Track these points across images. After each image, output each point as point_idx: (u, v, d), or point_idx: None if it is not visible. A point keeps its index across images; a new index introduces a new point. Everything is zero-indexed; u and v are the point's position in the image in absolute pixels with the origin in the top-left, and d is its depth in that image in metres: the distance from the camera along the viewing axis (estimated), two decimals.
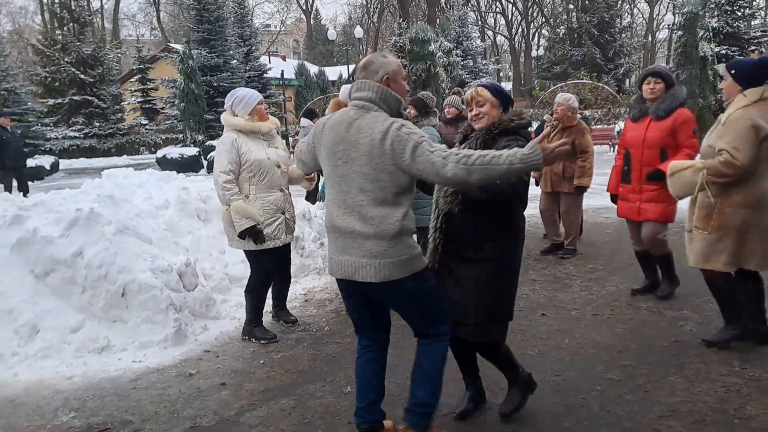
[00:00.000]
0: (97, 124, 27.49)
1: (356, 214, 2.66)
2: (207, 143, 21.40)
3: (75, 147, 26.73)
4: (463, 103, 7.31)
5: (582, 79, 26.69)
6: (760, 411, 3.17)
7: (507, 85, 51.91)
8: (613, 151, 18.70)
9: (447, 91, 19.73)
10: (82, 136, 27.09)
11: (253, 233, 4.31)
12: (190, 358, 4.33)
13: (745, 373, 3.62)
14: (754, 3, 21.34)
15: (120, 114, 29.49)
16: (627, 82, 34.94)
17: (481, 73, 24.46)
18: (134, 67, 32.43)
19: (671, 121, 4.61)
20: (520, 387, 3.25)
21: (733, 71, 3.82)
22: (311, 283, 5.99)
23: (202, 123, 22.38)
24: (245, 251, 4.54)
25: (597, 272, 5.93)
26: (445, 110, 7.24)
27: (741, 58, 4.06)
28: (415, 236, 2.82)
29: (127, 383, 3.96)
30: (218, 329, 4.82)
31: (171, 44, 37.16)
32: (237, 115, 4.46)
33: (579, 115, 7.08)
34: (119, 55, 33.16)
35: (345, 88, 4.84)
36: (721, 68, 4.05)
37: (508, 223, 2.96)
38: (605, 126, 22.03)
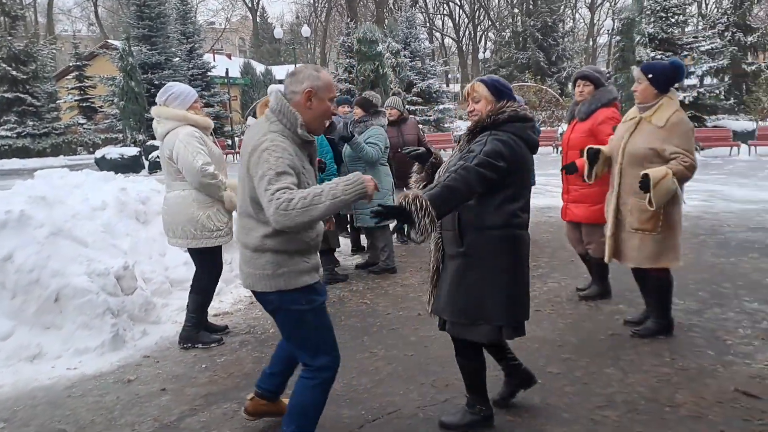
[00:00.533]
0: (31, 123, 26.30)
1: (239, 220, 2.72)
2: (148, 143, 20.83)
3: (6, 147, 25.51)
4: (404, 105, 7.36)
5: (526, 81, 27.24)
6: (689, 399, 3.32)
7: (455, 87, 52.61)
8: (557, 152, 19.17)
9: (396, 92, 19.82)
10: (15, 135, 25.88)
11: None
12: (128, 363, 4.20)
13: (674, 363, 3.79)
14: (687, 10, 22.22)
15: (56, 113, 28.32)
16: (569, 85, 35.82)
17: (428, 75, 24.58)
18: (71, 64, 31.27)
19: (590, 122, 4.70)
20: (471, 404, 3.11)
21: (650, 75, 3.90)
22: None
23: (142, 122, 21.73)
24: (192, 249, 4.36)
25: (540, 270, 6.06)
26: (388, 112, 7.22)
27: (654, 61, 4.18)
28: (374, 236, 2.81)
29: (62, 391, 3.81)
30: (158, 334, 4.69)
31: (110, 41, 36.06)
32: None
33: None
34: (54, 51, 31.92)
35: (272, 88, 4.77)
36: (635, 71, 4.06)
37: (487, 218, 2.79)
38: (549, 128, 22.53)
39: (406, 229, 2.59)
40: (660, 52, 19.45)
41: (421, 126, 8.04)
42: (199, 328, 4.46)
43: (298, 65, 2.82)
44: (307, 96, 2.59)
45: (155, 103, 4.46)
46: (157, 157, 4.85)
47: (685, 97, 19.20)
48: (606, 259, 4.30)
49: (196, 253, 4.39)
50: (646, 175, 3.74)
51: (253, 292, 2.72)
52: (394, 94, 9.86)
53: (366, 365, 3.96)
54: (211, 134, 4.55)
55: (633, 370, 3.71)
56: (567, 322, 4.61)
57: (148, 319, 4.84)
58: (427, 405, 3.38)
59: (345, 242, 7.33)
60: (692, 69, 21.04)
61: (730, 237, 7.13)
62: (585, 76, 4.83)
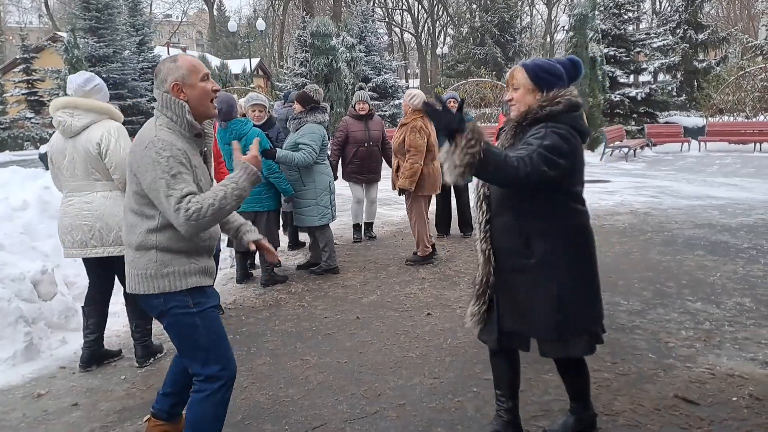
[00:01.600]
0: None
1: (124, 218, 2.60)
2: None
3: None
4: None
5: (483, 77, 27.29)
6: (627, 406, 3.19)
7: (414, 83, 52.54)
8: None
9: (350, 87, 19.56)
10: None
11: None
12: (42, 376, 3.90)
13: (615, 368, 3.66)
14: (640, 7, 22.54)
15: (2, 107, 27.30)
16: None
17: (384, 69, 24.36)
18: (18, 57, 30.16)
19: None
20: (578, 420, 2.87)
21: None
22: None
23: None
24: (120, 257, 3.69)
25: None
26: (357, 106, 7.01)
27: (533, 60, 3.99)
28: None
29: None
30: (78, 342, 4.35)
31: (59, 33, 34.89)
32: None
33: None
34: (0, 42, 30.73)
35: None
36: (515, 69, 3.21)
37: (557, 222, 2.52)
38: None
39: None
40: (613, 49, 19.67)
41: None
42: (149, 336, 4.05)
43: (159, 65, 2.60)
44: (177, 90, 2.48)
45: None
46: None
47: (637, 93, 19.49)
48: None
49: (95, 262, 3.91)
50: None
51: (138, 296, 2.52)
52: (360, 89, 9.52)
53: (296, 374, 3.75)
54: None
55: None
56: None
57: (68, 326, 4.54)
58: (356, 418, 3.19)
59: (283, 239, 7.08)
60: (645, 65, 21.33)
61: (677, 234, 7.13)
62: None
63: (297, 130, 5.79)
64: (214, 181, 3.09)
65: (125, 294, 3.89)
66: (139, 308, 3.89)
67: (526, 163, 2.31)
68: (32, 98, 29.00)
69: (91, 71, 4.45)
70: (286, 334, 4.45)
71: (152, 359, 4.05)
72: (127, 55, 24.98)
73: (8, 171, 6.41)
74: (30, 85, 29.14)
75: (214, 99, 2.56)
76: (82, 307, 4.05)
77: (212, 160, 3.08)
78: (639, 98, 19.56)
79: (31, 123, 27.74)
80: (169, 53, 31.98)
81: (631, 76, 21.23)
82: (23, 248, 4.87)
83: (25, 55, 29.02)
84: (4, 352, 4.02)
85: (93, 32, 23.95)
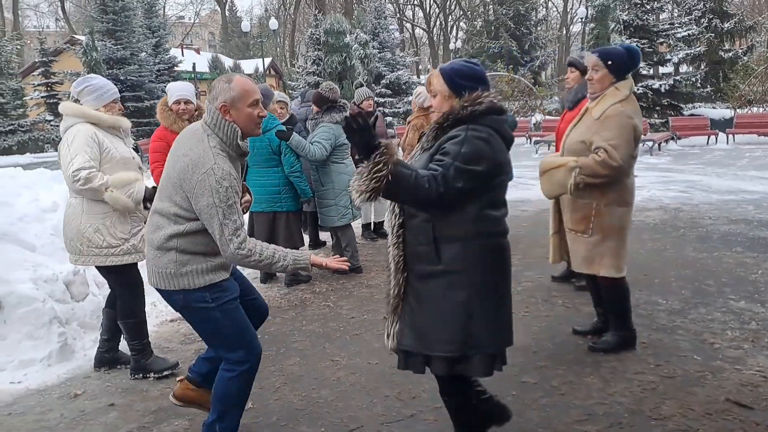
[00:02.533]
0: None
1: (150, 217, 2.74)
2: None
3: None
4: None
5: (499, 71, 27.16)
6: (676, 410, 3.09)
7: (425, 78, 52.30)
8: (530, 143, 19.09)
9: (364, 84, 19.55)
10: None
11: (152, 192, 3.60)
12: (76, 376, 3.95)
13: (660, 370, 3.55)
14: None
15: (22, 110, 27.58)
16: (543, 75, 35.87)
17: (398, 66, 24.34)
18: (37, 60, 30.46)
19: (576, 111, 4.55)
20: None
21: (609, 62, 3.54)
22: None
23: None
24: (99, 268, 3.76)
25: (513, 267, 5.68)
26: (365, 104, 6.99)
27: (610, 47, 3.94)
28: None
29: (2, 408, 3.56)
30: None
31: (76, 36, 35.19)
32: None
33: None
34: (19, 47, 31.05)
35: (172, 86, 4.55)
36: (590, 58, 3.68)
37: (469, 228, 2.37)
38: (522, 118, 22.46)
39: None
40: (635, 40, 19.42)
41: (390, 118, 7.85)
42: (147, 355, 3.90)
43: (215, 81, 2.71)
44: (224, 111, 2.58)
45: (122, 99, 4.02)
46: None
47: (661, 86, 19.19)
48: (551, 260, 4.03)
49: (103, 273, 3.83)
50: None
51: (158, 290, 2.72)
52: (360, 86, 9.43)
53: (327, 375, 3.75)
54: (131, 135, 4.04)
55: (615, 378, 3.47)
56: (542, 325, 4.37)
57: (100, 326, 4.57)
58: (393, 420, 3.17)
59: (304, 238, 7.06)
60: (668, 56, 21.00)
61: (712, 230, 6.93)
62: (571, 63, 4.66)
63: (313, 129, 5.83)
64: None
65: (117, 309, 3.89)
66: (123, 323, 3.85)
67: (439, 183, 2.22)
68: (51, 101, 29.20)
69: (108, 73, 4.40)
70: (314, 335, 4.45)
71: (142, 375, 3.85)
72: (143, 57, 25.16)
73: (36, 173, 6.49)
74: (49, 88, 29.38)
75: (258, 124, 2.66)
76: (103, 308, 4.08)
77: None
78: (663, 90, 19.21)
79: (51, 125, 27.96)
80: (183, 54, 32.17)
81: (652, 68, 20.92)
82: (54, 249, 4.93)
83: (43, 59, 29.26)
84: (40, 353, 4.08)
85: (110, 35, 24.14)
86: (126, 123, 3.88)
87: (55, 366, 4.03)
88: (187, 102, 4.49)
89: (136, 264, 3.80)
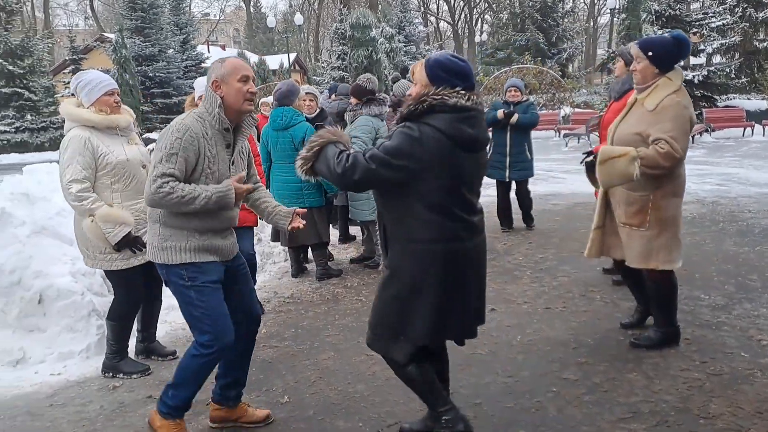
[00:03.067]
0: (30, 117, 26.08)
1: None
2: (144, 135, 20.60)
3: (5, 142, 25.34)
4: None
5: (526, 64, 26.87)
6: (725, 409, 2.99)
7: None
8: (559, 136, 18.86)
9: (390, 78, 19.49)
10: (13, 130, 25.67)
11: (130, 242, 3.56)
12: (122, 371, 3.97)
13: (705, 367, 3.44)
14: None
15: (53, 107, 28.07)
16: (570, 67, 35.38)
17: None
18: (67, 58, 30.97)
19: (622, 102, 4.47)
20: (431, 420, 2.77)
21: (650, 52, 3.45)
22: None
23: (137, 114, 21.53)
24: (108, 272, 3.76)
25: (547, 262, 5.76)
26: (405, 97, 6.90)
27: (653, 36, 3.86)
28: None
29: (43, 399, 3.62)
30: None
31: (105, 33, 35.71)
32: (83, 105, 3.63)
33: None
34: (50, 45, 31.57)
35: (199, 81, 4.57)
36: (633, 48, 3.59)
37: (411, 230, 2.49)
38: (550, 111, 22.21)
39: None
40: (667, 30, 18.97)
41: None
42: (121, 357, 3.85)
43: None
44: (215, 86, 2.74)
45: (150, 96, 4.02)
46: None
47: (694, 77, 18.77)
48: (586, 254, 3.89)
49: (110, 276, 3.82)
50: (592, 153, 3.34)
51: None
52: (398, 78, 9.18)
53: (362, 370, 3.72)
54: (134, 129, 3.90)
55: (659, 375, 3.37)
56: (581, 320, 4.29)
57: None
58: None
59: (334, 233, 7.03)
60: (701, 47, 20.53)
61: (753, 223, 6.73)
62: (618, 54, 4.65)
63: (352, 122, 5.77)
64: (256, 175, 3.22)
65: (151, 295, 4.00)
66: (110, 324, 3.85)
67: (347, 162, 2.39)
68: None
69: (138, 70, 4.38)
70: (348, 329, 4.44)
71: (112, 374, 3.84)
72: (171, 54, 25.44)
73: None
74: None
75: (248, 99, 2.76)
76: None
77: (248, 155, 3.11)
78: (696, 81, 18.79)
79: None
80: (209, 51, 32.42)
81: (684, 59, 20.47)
82: None
83: (73, 57, 29.73)
84: (79, 345, 4.14)
85: (139, 32, 24.47)
86: (124, 121, 3.70)
87: (93, 358, 4.09)
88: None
89: (139, 272, 3.70)
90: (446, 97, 2.37)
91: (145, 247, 3.37)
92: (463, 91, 2.40)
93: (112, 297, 4.55)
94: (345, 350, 4.04)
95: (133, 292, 3.78)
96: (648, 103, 3.47)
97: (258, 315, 3.12)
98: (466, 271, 2.53)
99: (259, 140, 5.53)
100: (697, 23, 20.13)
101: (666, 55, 3.48)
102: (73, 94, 3.75)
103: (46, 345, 4.17)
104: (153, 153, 2.76)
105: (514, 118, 6.47)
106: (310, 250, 5.96)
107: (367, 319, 4.48)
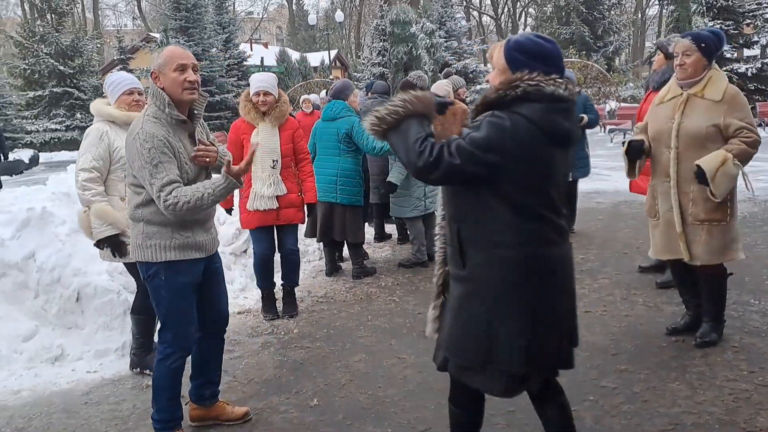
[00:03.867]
0: (79, 116, 26.87)
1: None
2: None
3: (56, 140, 26.18)
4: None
5: (571, 57, 26.33)
6: None
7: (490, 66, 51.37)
8: (605, 131, 18.41)
9: (430, 74, 19.35)
10: (64, 128, 26.52)
11: (114, 243, 3.58)
12: (149, 366, 4.02)
13: (753, 377, 3.27)
14: None
15: None
16: (617, 60, 34.53)
17: (465, 54, 24.01)
18: (115, 58, 31.78)
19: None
20: None
21: (702, 44, 3.46)
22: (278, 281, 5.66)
23: None
24: (128, 264, 3.73)
25: (588, 263, 5.60)
26: (459, 92, 6.70)
27: (699, 30, 3.76)
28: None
29: (79, 397, 3.67)
30: None
31: (151, 33, 36.49)
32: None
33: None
34: (99, 45, 32.46)
35: (254, 78, 4.68)
36: (683, 42, 3.51)
37: (495, 234, 2.12)
38: (595, 105, 21.71)
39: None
40: (719, 22, 18.37)
41: None
42: (147, 351, 3.89)
43: None
44: (154, 78, 2.74)
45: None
46: None
47: (747, 69, 18.12)
48: (686, 259, 3.61)
49: (128, 268, 3.84)
50: (699, 167, 3.30)
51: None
52: (450, 74, 8.78)
53: (394, 373, 3.67)
54: None
55: (703, 385, 3.22)
56: (622, 325, 4.13)
57: None
58: None
59: (369, 230, 6.98)
60: (755, 38, 19.76)
61: None
62: (658, 46, 4.61)
63: None
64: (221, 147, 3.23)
65: (133, 302, 4.00)
66: (136, 318, 3.92)
67: (434, 158, 2.02)
68: None
69: None
70: (380, 330, 4.39)
71: (138, 370, 3.90)
72: (214, 53, 25.82)
73: None
74: None
75: (187, 88, 2.72)
76: None
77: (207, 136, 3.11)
78: (749, 74, 18.11)
79: None
80: (251, 49, 32.80)
81: (737, 51, 19.74)
82: None
83: (121, 56, 30.47)
84: (114, 343, 4.20)
85: (183, 32, 24.90)
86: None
87: (128, 356, 4.12)
88: (266, 93, 4.52)
89: None
90: (543, 85, 2.05)
91: (124, 255, 3.57)
92: (560, 79, 2.09)
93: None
94: (377, 352, 3.99)
95: None
96: (710, 94, 3.44)
97: (227, 315, 3.20)
98: (557, 281, 2.17)
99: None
100: (750, 14, 19.40)
101: (714, 48, 3.51)
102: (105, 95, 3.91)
103: (83, 342, 4.24)
104: (129, 167, 2.78)
105: (584, 120, 6.16)
106: (346, 248, 5.94)
107: (399, 320, 4.55)
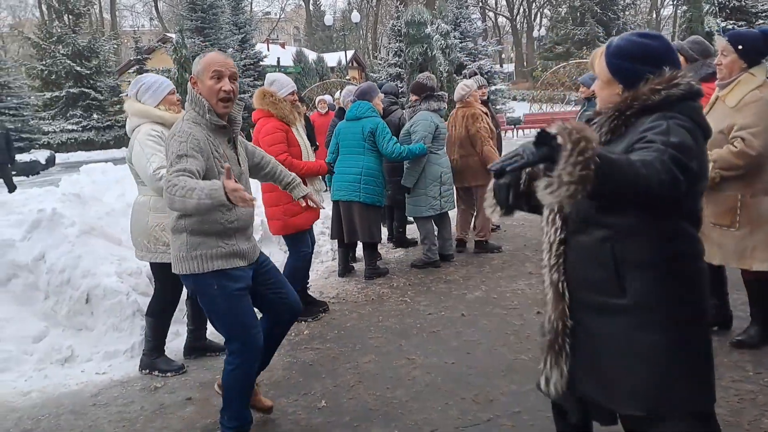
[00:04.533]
0: (96, 116, 27.17)
1: None
2: None
3: (73, 140, 26.47)
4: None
5: (585, 58, 26.14)
6: None
7: (509, 67, 51.28)
8: None
9: (445, 75, 19.30)
10: (80, 129, 26.80)
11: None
12: (159, 369, 4.01)
13: (759, 378, 3.24)
14: None
15: (119, 106, 29.12)
16: None
17: (480, 55, 23.91)
18: (132, 58, 32.04)
19: None
20: None
21: (740, 46, 3.33)
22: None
23: None
24: (159, 265, 3.74)
25: None
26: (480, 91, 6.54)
27: (743, 30, 3.63)
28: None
29: (87, 398, 3.67)
30: None
31: (168, 34, 36.76)
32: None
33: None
34: (115, 45, 32.75)
35: (281, 79, 4.70)
36: (720, 41, 3.42)
37: (661, 248, 1.81)
38: None
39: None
40: (732, 22, 18.18)
41: None
42: (158, 354, 3.94)
43: None
44: (193, 83, 2.76)
45: None
46: None
47: None
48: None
49: (156, 268, 3.85)
50: None
51: (179, 275, 2.82)
52: (473, 74, 8.48)
53: (402, 374, 3.64)
54: None
55: None
56: None
57: (181, 319, 4.66)
58: (468, 425, 3.02)
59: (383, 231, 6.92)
60: None
61: None
62: (679, 49, 4.49)
63: (411, 117, 5.84)
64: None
65: (150, 303, 4.01)
66: (150, 319, 3.94)
67: (657, 169, 1.58)
68: None
69: None
70: (391, 331, 4.36)
71: (148, 371, 3.92)
72: (230, 53, 25.90)
73: (123, 168, 6.69)
74: None
75: (221, 99, 2.70)
76: (185, 299, 4.18)
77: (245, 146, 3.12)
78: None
79: None
80: (268, 49, 32.89)
81: None
82: None
83: (138, 57, 30.72)
84: (123, 344, 4.19)
85: (199, 32, 25.06)
86: None
87: (137, 358, 4.11)
88: (294, 93, 4.64)
89: None
90: (693, 83, 1.82)
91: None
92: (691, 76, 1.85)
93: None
94: (386, 354, 3.97)
95: (178, 288, 3.83)
96: (729, 100, 3.38)
97: (298, 303, 3.13)
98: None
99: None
100: (764, 14, 19.16)
101: (754, 50, 3.35)
102: (127, 95, 3.92)
103: (93, 344, 4.24)
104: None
105: None
106: (362, 248, 5.91)
107: (410, 321, 4.52)
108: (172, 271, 2.81)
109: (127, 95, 3.97)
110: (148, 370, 3.92)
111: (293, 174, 3.31)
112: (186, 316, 4.22)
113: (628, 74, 1.85)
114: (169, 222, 2.77)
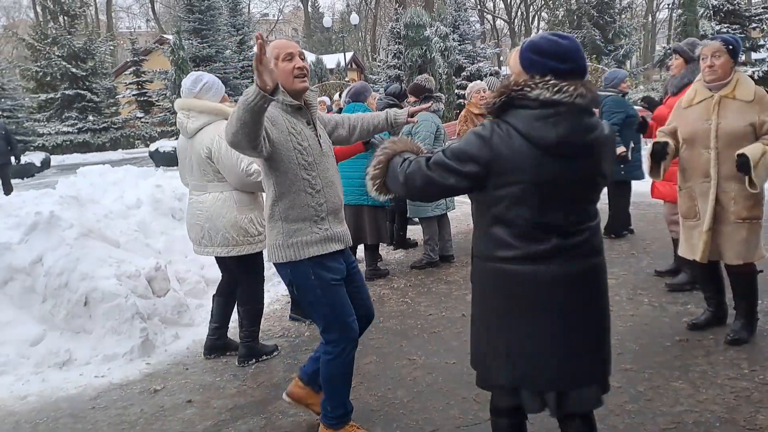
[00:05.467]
0: (91, 118, 27.01)
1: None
2: None
3: (68, 142, 26.28)
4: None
5: None
6: None
7: (506, 69, 51.28)
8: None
9: (444, 77, 19.29)
10: (76, 131, 26.63)
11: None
12: (157, 371, 4.00)
13: (754, 376, 3.27)
14: None
15: (115, 107, 29.02)
16: (628, 64, 34.29)
17: (479, 57, 23.90)
18: (128, 60, 31.94)
19: (679, 97, 4.28)
20: None
21: (730, 46, 3.54)
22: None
23: None
24: (233, 257, 3.83)
25: None
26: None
27: (726, 34, 3.83)
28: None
29: (86, 402, 3.64)
30: (191, 337, 4.49)
31: (165, 35, 36.66)
32: None
33: None
34: (112, 47, 32.63)
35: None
36: (713, 44, 3.57)
37: (480, 243, 2.16)
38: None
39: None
40: (726, 26, 18.22)
41: None
42: (257, 340, 4.08)
43: None
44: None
45: None
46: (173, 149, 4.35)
47: (754, 72, 17.96)
48: (699, 258, 3.66)
49: (238, 261, 3.88)
50: (742, 155, 3.30)
51: (274, 264, 2.81)
52: (494, 74, 8.28)
53: (404, 375, 3.64)
54: None
55: (705, 383, 3.23)
56: (627, 325, 4.12)
57: (180, 321, 4.66)
58: (469, 425, 3.03)
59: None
60: (761, 42, 19.59)
61: None
62: (675, 50, 4.62)
63: None
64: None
65: (233, 293, 4.04)
66: (247, 308, 3.96)
67: (411, 169, 2.10)
68: (142, 99, 30.53)
69: (196, 71, 4.38)
70: (392, 332, 4.35)
71: (254, 360, 3.99)
72: (228, 55, 25.85)
73: (122, 170, 6.70)
74: (140, 87, 30.65)
75: (297, 76, 2.71)
76: (213, 295, 4.19)
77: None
78: (756, 77, 17.96)
79: (141, 122, 29.24)
80: None
81: (744, 55, 19.58)
82: (138, 245, 5.04)
83: (134, 58, 30.57)
84: (122, 347, 4.16)
85: (197, 33, 24.94)
86: None
87: (136, 360, 4.11)
88: None
89: (261, 252, 3.95)
90: (528, 89, 1.93)
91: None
92: (552, 81, 1.92)
93: (157, 299, 4.60)
94: (387, 354, 3.96)
95: (261, 271, 4.04)
96: (741, 95, 3.51)
97: (373, 311, 3.11)
98: (537, 305, 2.06)
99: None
100: (757, 18, 19.22)
101: (738, 50, 3.61)
102: (192, 95, 3.87)
103: (91, 347, 4.21)
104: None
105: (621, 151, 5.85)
106: (362, 249, 5.89)
107: (410, 322, 4.52)
108: (267, 260, 2.85)
109: (123, 96, 3.99)
110: (254, 360, 3.99)
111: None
112: (211, 314, 4.19)
113: (534, 67, 1.98)
114: (265, 211, 2.79)
